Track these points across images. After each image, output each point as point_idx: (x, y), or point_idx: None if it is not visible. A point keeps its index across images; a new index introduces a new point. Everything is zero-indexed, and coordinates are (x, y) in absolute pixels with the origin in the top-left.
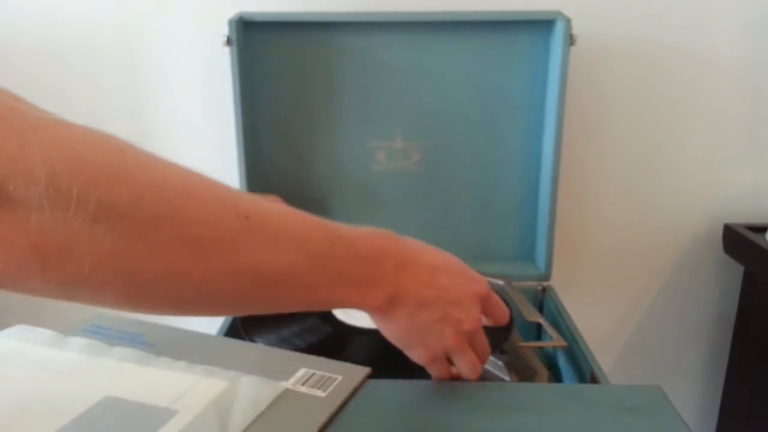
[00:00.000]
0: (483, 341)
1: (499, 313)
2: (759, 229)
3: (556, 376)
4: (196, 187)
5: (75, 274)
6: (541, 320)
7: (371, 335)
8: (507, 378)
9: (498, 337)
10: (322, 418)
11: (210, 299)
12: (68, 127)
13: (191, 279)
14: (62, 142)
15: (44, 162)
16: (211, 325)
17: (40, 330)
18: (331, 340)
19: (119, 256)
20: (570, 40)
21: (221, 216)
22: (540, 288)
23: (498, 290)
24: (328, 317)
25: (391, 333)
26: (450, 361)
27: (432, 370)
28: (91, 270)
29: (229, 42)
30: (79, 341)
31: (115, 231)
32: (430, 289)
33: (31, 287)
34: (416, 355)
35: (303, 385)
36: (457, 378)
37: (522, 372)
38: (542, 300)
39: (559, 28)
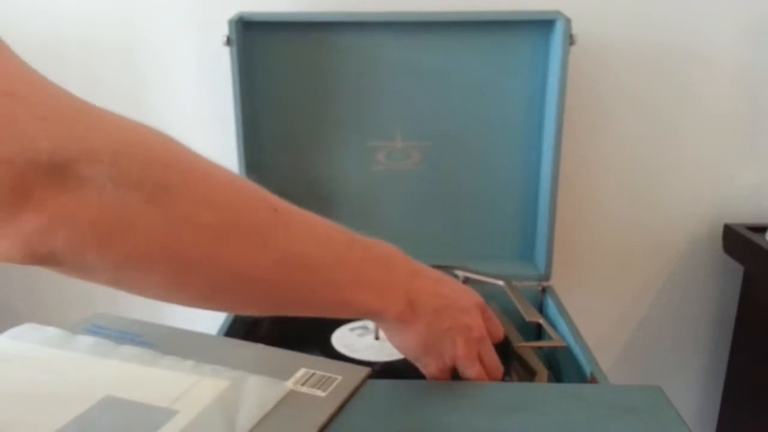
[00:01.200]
0: (493, 355)
1: (494, 326)
2: (759, 229)
3: (556, 376)
4: (232, 179)
5: (131, 252)
6: (541, 320)
7: (372, 367)
8: (507, 378)
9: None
10: (322, 418)
11: (244, 287)
12: (122, 117)
13: (229, 264)
14: (122, 127)
15: (108, 144)
16: (211, 325)
17: (48, 328)
18: None
19: (169, 236)
20: (570, 40)
21: (254, 206)
22: (540, 288)
23: (498, 291)
24: (329, 351)
25: (408, 342)
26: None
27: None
28: (146, 248)
29: (229, 42)
30: (86, 340)
31: (168, 212)
32: (440, 297)
33: (88, 264)
34: (426, 365)
35: (303, 385)
36: None
37: (522, 372)
38: (542, 300)
39: (559, 28)
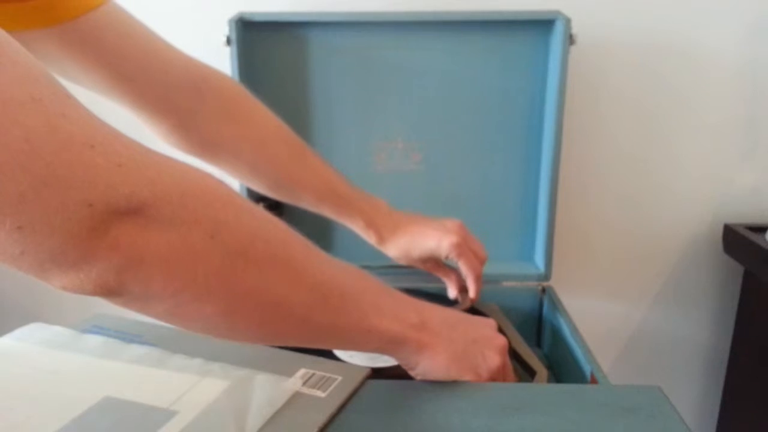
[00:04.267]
0: (510, 365)
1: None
2: (759, 229)
3: (556, 376)
4: (270, 216)
5: (191, 283)
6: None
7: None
8: None
9: None
10: (322, 418)
11: (286, 316)
12: (182, 162)
13: (275, 292)
14: (185, 171)
15: (175, 186)
16: None
17: (55, 328)
18: None
19: (225, 269)
20: (570, 40)
21: (291, 239)
22: (540, 288)
23: (498, 291)
24: (328, 356)
25: (438, 365)
26: None
27: None
28: (204, 279)
29: (229, 42)
30: (94, 339)
31: (225, 246)
32: (451, 315)
33: (149, 295)
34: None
35: (303, 385)
36: None
37: (522, 372)
38: (542, 300)
39: (559, 28)
